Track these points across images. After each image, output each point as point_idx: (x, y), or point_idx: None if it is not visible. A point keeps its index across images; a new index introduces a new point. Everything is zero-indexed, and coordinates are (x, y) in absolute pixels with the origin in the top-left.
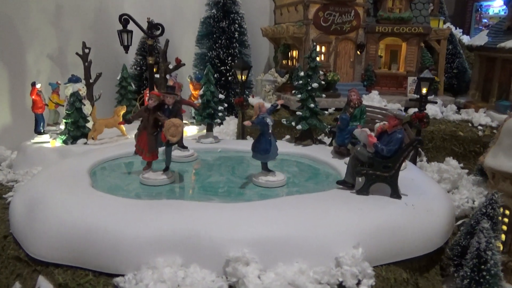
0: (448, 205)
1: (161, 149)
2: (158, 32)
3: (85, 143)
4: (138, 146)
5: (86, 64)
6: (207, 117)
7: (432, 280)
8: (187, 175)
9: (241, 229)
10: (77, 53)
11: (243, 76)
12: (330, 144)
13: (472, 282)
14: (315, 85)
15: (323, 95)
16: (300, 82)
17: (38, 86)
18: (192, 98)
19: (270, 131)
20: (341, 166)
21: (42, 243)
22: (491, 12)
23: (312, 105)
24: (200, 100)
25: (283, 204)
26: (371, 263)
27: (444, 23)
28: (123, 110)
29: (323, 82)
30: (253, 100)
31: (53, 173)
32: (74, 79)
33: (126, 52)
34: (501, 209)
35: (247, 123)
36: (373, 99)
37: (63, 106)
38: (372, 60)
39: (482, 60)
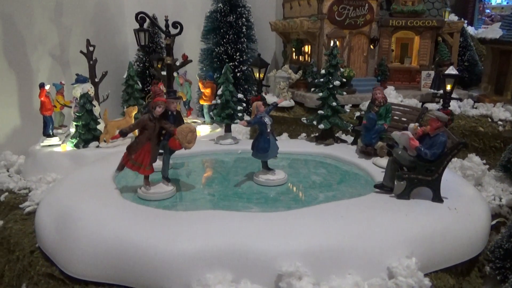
0: (485, 207)
1: None
2: (177, 31)
3: (98, 146)
4: (134, 160)
5: (91, 62)
6: (227, 117)
7: (473, 283)
8: (214, 179)
9: (290, 240)
10: (81, 51)
11: (260, 74)
12: (353, 143)
13: None
14: (336, 83)
15: (344, 93)
16: (321, 80)
17: (47, 87)
18: (203, 96)
19: (268, 130)
20: (370, 166)
21: (79, 260)
22: (493, 2)
23: (334, 104)
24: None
25: (326, 212)
26: (421, 268)
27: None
28: (135, 111)
29: (344, 80)
30: (267, 97)
31: (77, 182)
32: (81, 79)
33: (144, 52)
34: None
35: (243, 123)
36: (389, 94)
37: (70, 107)
38: (385, 54)
39: (495, 53)
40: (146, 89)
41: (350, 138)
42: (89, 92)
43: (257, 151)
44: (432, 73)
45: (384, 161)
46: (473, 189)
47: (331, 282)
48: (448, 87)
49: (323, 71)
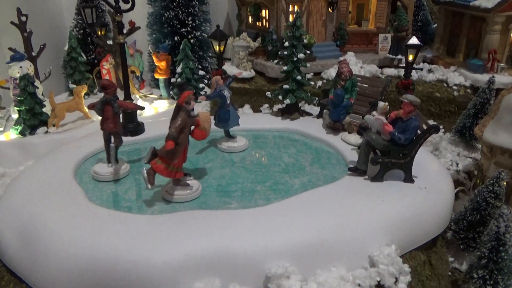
0: (450, 180)
1: None
2: (128, 6)
3: (47, 132)
4: (172, 167)
5: (26, 34)
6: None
7: (439, 253)
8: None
9: (275, 238)
10: (12, 22)
11: (220, 47)
12: (319, 116)
13: (490, 261)
14: (301, 55)
15: (308, 64)
16: (285, 53)
17: None
18: (158, 70)
19: (228, 102)
20: (339, 143)
21: (53, 278)
22: None
23: (299, 77)
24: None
25: (306, 203)
26: (398, 251)
27: None
28: (84, 90)
29: (308, 52)
30: (225, 68)
31: (34, 183)
32: (18, 57)
33: (92, 33)
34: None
35: (202, 98)
36: (349, 60)
37: (6, 88)
38: (343, 17)
39: (448, 15)
40: (90, 58)
41: (315, 110)
42: (29, 72)
43: (218, 122)
44: (389, 36)
45: (352, 137)
46: (437, 163)
47: (318, 278)
48: (410, 58)
49: (286, 44)
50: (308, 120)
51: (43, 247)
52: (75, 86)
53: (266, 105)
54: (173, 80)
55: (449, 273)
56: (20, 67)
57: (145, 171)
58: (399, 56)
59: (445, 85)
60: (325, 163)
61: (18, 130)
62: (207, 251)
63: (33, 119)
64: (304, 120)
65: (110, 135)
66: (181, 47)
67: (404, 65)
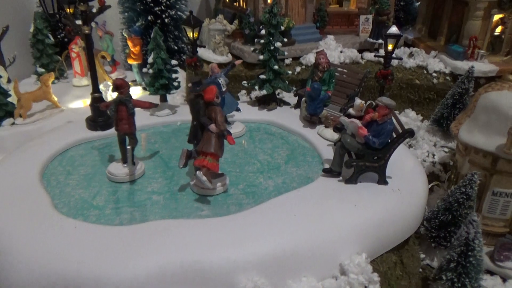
0: (424, 178)
1: None
2: None
3: (13, 124)
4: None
5: None
6: (161, 88)
7: (411, 250)
8: (158, 163)
9: (245, 249)
10: None
11: (194, 34)
12: (296, 107)
13: (459, 265)
14: (278, 44)
15: (285, 53)
16: (261, 41)
17: None
18: (132, 55)
19: (223, 89)
20: (315, 138)
21: None
22: None
23: (276, 67)
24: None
25: (278, 210)
26: (369, 257)
27: None
28: (51, 78)
29: (285, 40)
30: (200, 51)
31: None
32: None
33: (55, 22)
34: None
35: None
36: (329, 45)
37: None
38: None
39: None
40: (60, 37)
41: (293, 99)
42: None
43: None
44: (371, 17)
45: (329, 131)
46: (412, 160)
47: None
48: (390, 47)
49: (262, 31)
50: (285, 110)
51: (3, 263)
52: (43, 70)
53: (243, 91)
54: (144, 70)
55: (420, 269)
56: None
57: (201, 173)
58: (380, 41)
59: (425, 71)
60: (300, 161)
61: None
62: (175, 265)
63: None
64: (281, 110)
65: (124, 136)
66: (152, 35)
67: (384, 54)
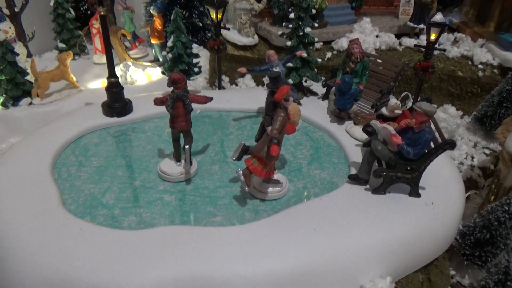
0: (461, 190)
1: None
2: None
3: (30, 103)
4: (269, 166)
5: None
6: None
7: (440, 267)
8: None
9: (257, 266)
10: None
11: (218, 15)
12: (324, 98)
13: None
14: (308, 29)
15: (316, 39)
16: (290, 25)
17: None
18: (156, 33)
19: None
20: (343, 135)
21: None
22: None
23: (304, 54)
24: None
25: (296, 221)
26: (394, 280)
27: None
28: (69, 58)
29: (316, 24)
30: (225, 32)
31: (5, 182)
32: None
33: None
34: None
35: (241, 69)
36: (364, 28)
37: None
38: None
39: None
40: (82, 10)
41: (321, 88)
42: (7, 35)
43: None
44: None
45: (358, 130)
46: (449, 165)
47: None
48: (433, 37)
49: (291, 15)
50: (312, 101)
51: (7, 264)
52: (64, 45)
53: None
54: (164, 53)
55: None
56: None
57: (241, 172)
58: (421, 26)
59: (470, 62)
60: (325, 162)
61: (0, 102)
62: (181, 277)
63: (15, 89)
64: (307, 101)
65: (179, 133)
66: (172, 17)
67: (425, 43)
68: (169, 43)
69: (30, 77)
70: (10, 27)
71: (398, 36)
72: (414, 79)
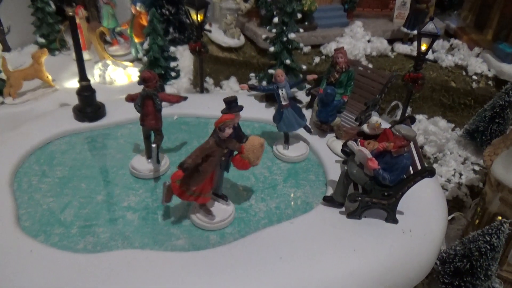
0: (444, 214)
1: None
2: None
3: (2, 103)
4: (192, 192)
5: None
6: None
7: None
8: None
9: None
10: None
11: (199, 16)
12: (308, 107)
13: None
14: (292, 35)
15: (301, 44)
16: (273, 30)
17: None
18: (140, 31)
19: (282, 103)
20: (323, 150)
21: None
22: None
23: (288, 61)
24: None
25: (262, 248)
26: None
27: None
28: (44, 55)
29: (301, 30)
30: (212, 30)
31: None
32: None
33: None
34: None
35: (243, 86)
36: (355, 33)
37: None
38: None
39: None
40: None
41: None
42: None
43: (273, 118)
44: (408, 1)
45: (339, 144)
46: (432, 186)
47: None
48: (423, 47)
49: (275, 20)
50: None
51: None
52: (43, 40)
53: (252, 74)
54: (139, 56)
55: None
56: None
57: (167, 185)
58: (415, 32)
59: (464, 73)
60: (301, 179)
61: None
62: None
63: None
64: None
65: (150, 131)
66: (149, 18)
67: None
68: (145, 46)
69: (3, 75)
70: None
71: (391, 41)
72: (404, 88)
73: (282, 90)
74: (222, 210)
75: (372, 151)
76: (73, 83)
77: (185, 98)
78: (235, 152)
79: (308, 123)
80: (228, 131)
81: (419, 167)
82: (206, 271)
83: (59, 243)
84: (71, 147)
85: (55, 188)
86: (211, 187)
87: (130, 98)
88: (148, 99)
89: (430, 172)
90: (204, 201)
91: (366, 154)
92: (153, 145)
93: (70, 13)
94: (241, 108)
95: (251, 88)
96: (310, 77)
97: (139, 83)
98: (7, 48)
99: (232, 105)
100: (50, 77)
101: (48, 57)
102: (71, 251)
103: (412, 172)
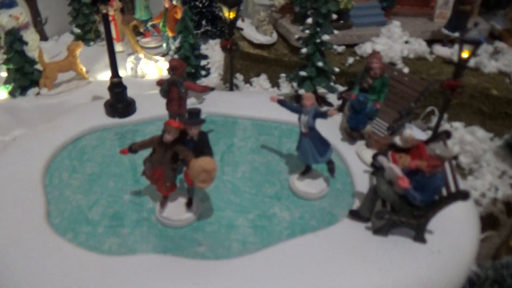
0: (475, 233)
1: None
2: None
3: (38, 94)
4: (151, 177)
5: None
6: (187, 76)
7: None
8: None
9: None
10: None
11: (231, 13)
12: (340, 110)
13: None
14: (325, 37)
15: (335, 46)
16: (306, 31)
17: None
18: (172, 22)
19: (302, 130)
20: (352, 158)
21: None
22: None
23: (320, 64)
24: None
25: (283, 262)
26: None
27: None
28: (79, 48)
29: (336, 32)
30: (242, 25)
31: None
32: (7, 3)
33: None
34: None
35: (273, 98)
36: (392, 33)
37: None
38: None
39: None
40: None
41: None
42: (18, 21)
43: None
44: (451, 0)
45: (369, 154)
46: (465, 204)
47: None
48: (465, 55)
49: (309, 21)
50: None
51: None
52: (79, 31)
53: (283, 74)
54: (171, 53)
55: None
56: (10, 15)
57: None
58: (457, 34)
59: (507, 80)
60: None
61: (8, 90)
62: None
63: (23, 79)
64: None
65: (175, 116)
66: (181, 16)
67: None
68: (176, 44)
69: (39, 66)
70: (21, 13)
71: (430, 42)
72: (441, 94)
73: (304, 116)
74: (178, 212)
75: (403, 168)
76: (106, 75)
77: (212, 89)
78: None
79: (338, 128)
80: (167, 137)
81: (453, 188)
82: (225, 282)
83: (86, 242)
84: (101, 143)
85: (85, 185)
86: (163, 183)
87: (160, 83)
88: (174, 85)
89: (464, 197)
90: (163, 193)
91: (397, 172)
92: None
93: (104, 11)
94: (199, 121)
95: (280, 102)
96: (331, 113)
97: (167, 71)
98: (44, 38)
99: (191, 116)
100: (84, 70)
101: (83, 47)
102: (97, 252)
103: (445, 191)
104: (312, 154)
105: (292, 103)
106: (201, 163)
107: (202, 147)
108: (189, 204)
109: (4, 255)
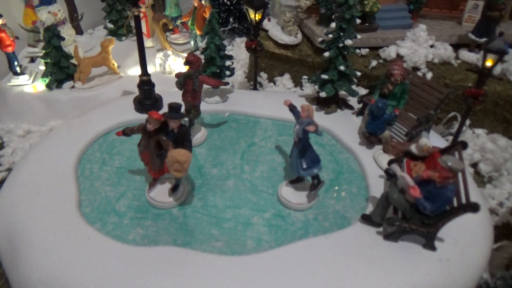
0: (488, 243)
1: None
2: None
3: (73, 87)
4: (142, 159)
5: None
6: (212, 76)
7: None
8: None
9: None
10: None
11: (257, 15)
12: (359, 114)
13: None
14: (348, 42)
15: (357, 50)
16: (330, 35)
17: (0, 21)
18: (200, 21)
19: (294, 138)
20: (369, 162)
21: None
22: None
23: (342, 67)
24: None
25: (295, 261)
26: None
27: None
28: (111, 44)
29: (359, 36)
30: (268, 24)
31: (31, 176)
32: (47, 0)
33: None
34: None
35: (287, 102)
36: (418, 37)
37: (33, 32)
38: None
39: None
40: None
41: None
42: (56, 17)
43: None
44: (481, 4)
45: (386, 159)
46: (478, 214)
47: None
48: (489, 63)
49: (333, 25)
50: (345, 116)
51: (18, 260)
52: (112, 26)
53: (305, 77)
54: (197, 53)
55: None
56: (49, 12)
57: None
58: (483, 40)
59: None
60: (343, 191)
61: (45, 83)
62: None
63: (60, 72)
64: (341, 115)
65: (190, 107)
66: (208, 17)
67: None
68: (203, 44)
69: (74, 60)
70: (59, 10)
71: (457, 46)
72: (463, 100)
73: (299, 126)
74: (163, 195)
75: (415, 177)
76: (136, 70)
77: (226, 83)
78: None
79: (357, 131)
80: (149, 126)
81: (464, 199)
82: (239, 277)
83: (113, 232)
84: (129, 138)
85: (113, 177)
86: (151, 167)
87: (178, 75)
88: (189, 78)
89: (474, 209)
90: (152, 175)
91: (409, 181)
92: (185, 119)
93: (136, 13)
94: (176, 116)
95: (290, 107)
96: (309, 128)
97: (184, 63)
98: (80, 32)
99: (171, 110)
100: (116, 65)
101: (116, 42)
102: (122, 242)
103: (455, 201)
104: (296, 165)
105: (297, 109)
106: (174, 154)
107: (182, 139)
108: (173, 190)
109: (38, 240)
